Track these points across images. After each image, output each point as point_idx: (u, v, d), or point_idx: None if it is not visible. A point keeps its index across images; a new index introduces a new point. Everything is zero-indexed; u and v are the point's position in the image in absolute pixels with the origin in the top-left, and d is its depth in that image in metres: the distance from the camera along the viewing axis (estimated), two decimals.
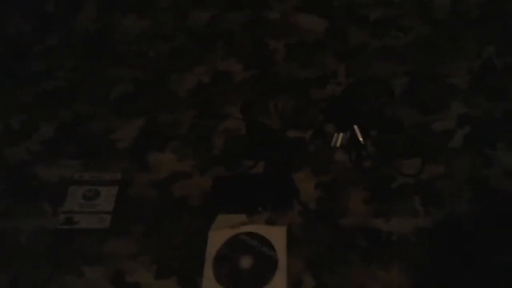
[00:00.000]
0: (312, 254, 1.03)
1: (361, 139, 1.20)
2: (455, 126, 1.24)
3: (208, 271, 0.99)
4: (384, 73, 1.38)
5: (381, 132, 1.24)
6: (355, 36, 1.50)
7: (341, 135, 1.22)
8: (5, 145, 1.27)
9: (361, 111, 1.29)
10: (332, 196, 1.13)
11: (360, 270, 1.00)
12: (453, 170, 1.15)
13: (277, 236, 1.04)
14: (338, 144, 1.22)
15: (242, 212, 1.09)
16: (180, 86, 1.39)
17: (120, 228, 1.09)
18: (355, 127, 1.21)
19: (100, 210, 1.11)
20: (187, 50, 1.51)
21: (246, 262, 1.01)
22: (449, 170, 1.15)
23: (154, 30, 1.57)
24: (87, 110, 1.35)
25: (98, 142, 1.26)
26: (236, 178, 1.16)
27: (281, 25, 1.55)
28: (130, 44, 1.53)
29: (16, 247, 1.07)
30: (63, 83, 1.44)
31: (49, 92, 1.41)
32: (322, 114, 1.29)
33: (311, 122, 1.28)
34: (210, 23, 1.57)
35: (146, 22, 1.58)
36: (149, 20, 1.59)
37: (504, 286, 0.95)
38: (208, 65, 1.44)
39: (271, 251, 1.02)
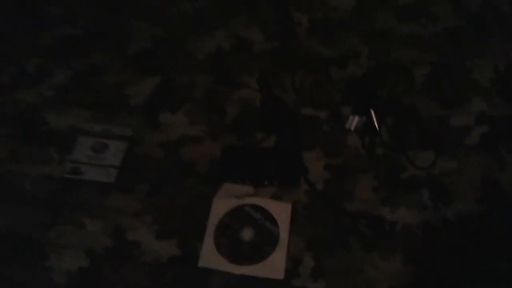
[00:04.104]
0: (314, 235, 1.02)
1: (376, 125, 1.18)
2: (473, 123, 1.21)
3: (209, 238, 0.99)
4: (407, 60, 1.36)
5: (397, 121, 1.22)
6: (382, 18, 1.47)
7: (356, 118, 1.20)
8: (18, 88, 1.25)
9: (380, 96, 1.26)
10: (340, 179, 1.11)
11: (361, 256, 0.99)
12: (466, 168, 1.13)
13: (281, 212, 1.03)
14: (353, 127, 1.20)
15: (249, 184, 1.08)
16: (199, 48, 1.37)
17: (125, 184, 1.08)
18: (372, 112, 1.18)
19: (107, 163, 1.10)
20: (210, 13, 1.47)
21: (247, 234, 1.00)
22: (462, 167, 1.13)
23: None
24: (103, 62, 1.32)
25: (111, 95, 1.24)
26: (246, 148, 1.15)
27: None
28: (153, 0, 1.50)
29: (19, 191, 1.06)
30: (82, 31, 1.41)
31: (67, 38, 1.39)
32: (339, 95, 1.27)
33: (328, 101, 1.26)
34: None
35: None
36: None
37: None
38: (230, 31, 1.42)
39: (273, 226, 1.01)
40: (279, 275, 0.95)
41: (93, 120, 1.19)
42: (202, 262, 0.97)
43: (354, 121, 1.20)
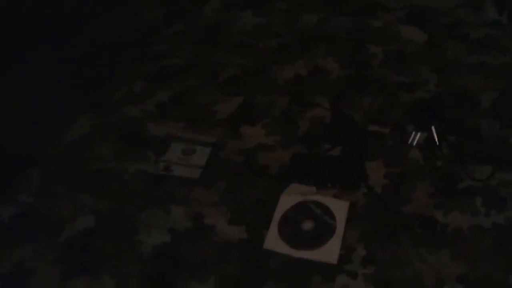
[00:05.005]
0: (368, 230, 1.12)
1: (437, 140, 1.27)
2: None
3: (274, 227, 1.13)
4: (474, 86, 1.44)
5: (459, 138, 1.30)
6: (452, 51, 1.57)
7: (419, 134, 1.30)
8: (126, 104, 1.49)
9: (444, 117, 1.36)
10: (398, 186, 1.21)
11: (410, 251, 1.08)
12: None
13: (339, 208, 1.15)
14: (415, 142, 1.30)
15: (313, 185, 1.21)
16: (280, 75, 1.55)
17: (207, 181, 1.26)
18: (433, 128, 1.28)
19: (193, 164, 1.29)
20: (292, 47, 1.66)
21: (307, 225, 1.13)
22: None
23: (266, 26, 1.74)
24: (197, 85, 1.55)
25: (201, 111, 1.45)
26: (313, 156, 1.29)
27: (383, 33, 1.66)
28: (243, 36, 1.72)
29: (120, 182, 1.27)
30: (182, 61, 1.65)
31: (169, 67, 1.63)
32: (405, 116, 1.38)
33: (394, 121, 1.37)
34: (317, 26, 1.72)
35: (260, 19, 1.77)
36: (263, 18, 1.77)
37: None
38: (308, 61, 1.59)
39: (331, 220, 1.13)
40: (333, 260, 1.06)
41: (185, 129, 1.39)
42: (266, 245, 1.10)
43: (416, 137, 1.30)
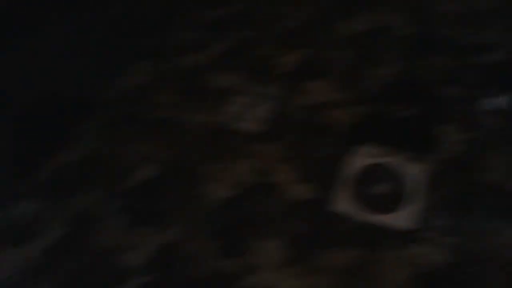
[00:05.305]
0: (443, 198, 1.06)
1: None
2: None
3: (343, 188, 1.08)
4: None
5: None
6: None
7: (499, 99, 1.22)
8: (185, 52, 1.44)
9: None
10: (477, 152, 1.14)
11: (488, 222, 1.02)
12: None
13: (414, 173, 1.09)
14: (495, 107, 1.22)
15: (385, 148, 1.15)
16: (348, 29, 1.47)
17: (270, 135, 1.21)
18: None
19: (256, 118, 1.24)
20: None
21: (379, 188, 1.08)
22: None
23: None
24: (258, 36, 1.48)
25: (263, 64, 1.39)
26: (384, 116, 1.22)
27: None
28: None
29: (182, 133, 1.24)
30: (241, 10, 1.58)
31: (228, 16, 1.56)
32: (483, 79, 1.29)
33: (470, 84, 1.29)
34: None
35: None
36: None
37: None
38: (374, 16, 1.50)
39: (405, 185, 1.07)
40: (407, 226, 1.01)
41: (247, 82, 1.34)
42: (335, 207, 1.06)
43: (496, 102, 1.22)
